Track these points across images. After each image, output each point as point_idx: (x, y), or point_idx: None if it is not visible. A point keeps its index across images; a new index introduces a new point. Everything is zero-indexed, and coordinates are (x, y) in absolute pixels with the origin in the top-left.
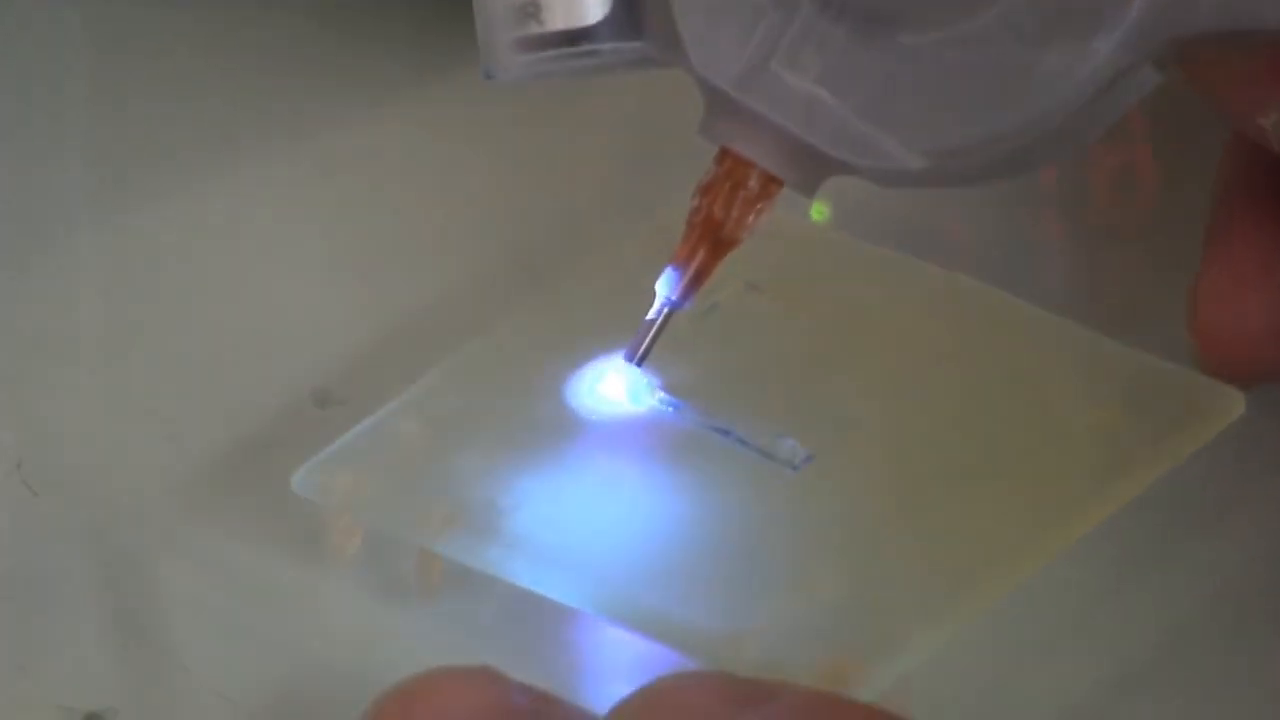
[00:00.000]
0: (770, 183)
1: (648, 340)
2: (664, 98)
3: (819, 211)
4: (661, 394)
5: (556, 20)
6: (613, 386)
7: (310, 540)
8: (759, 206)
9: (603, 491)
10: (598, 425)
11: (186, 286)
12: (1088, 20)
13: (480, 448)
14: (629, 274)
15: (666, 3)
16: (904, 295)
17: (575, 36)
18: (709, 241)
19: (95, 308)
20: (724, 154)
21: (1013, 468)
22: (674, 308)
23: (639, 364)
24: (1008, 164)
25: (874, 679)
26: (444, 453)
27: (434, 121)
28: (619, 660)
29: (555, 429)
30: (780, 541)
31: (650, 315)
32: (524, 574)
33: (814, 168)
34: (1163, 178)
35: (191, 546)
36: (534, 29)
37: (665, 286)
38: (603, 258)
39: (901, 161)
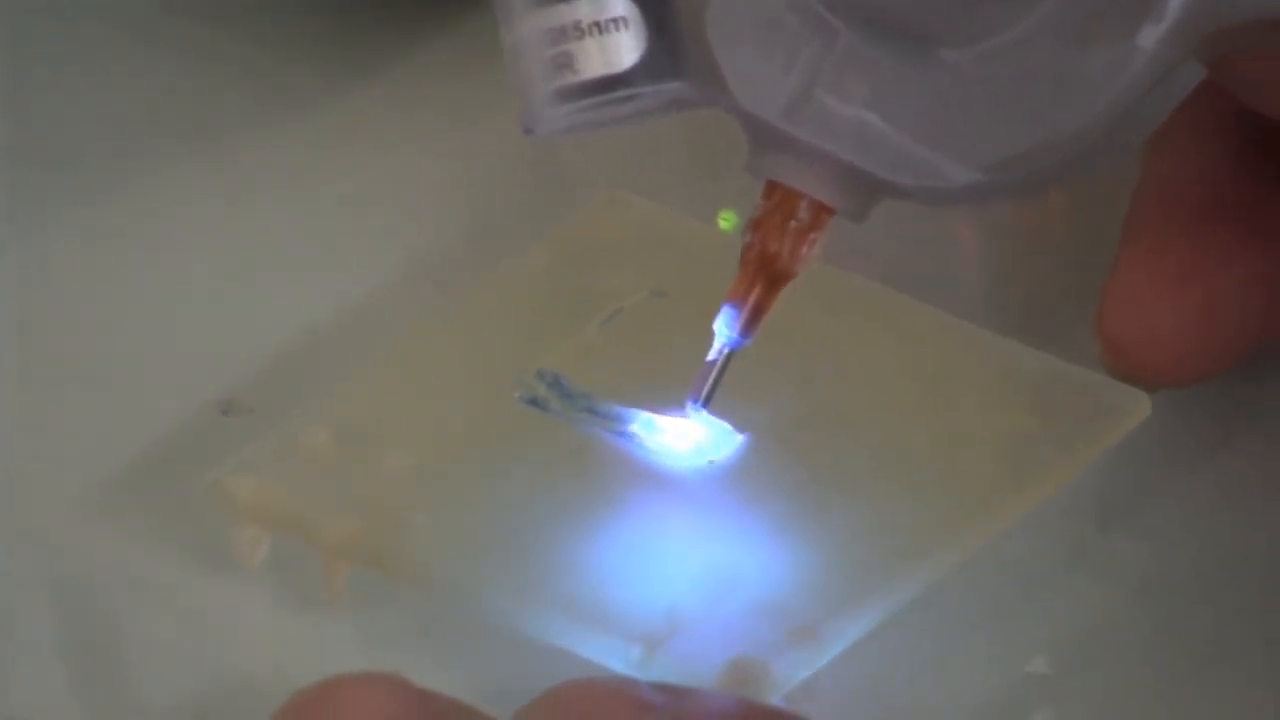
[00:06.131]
0: (821, 212)
1: (710, 381)
2: None
3: (726, 220)
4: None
5: (592, 68)
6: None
7: (217, 549)
8: (811, 237)
9: (512, 499)
10: (506, 433)
11: (90, 294)
12: (1131, 17)
13: (388, 456)
14: (536, 281)
15: (704, 39)
16: (812, 300)
17: (612, 82)
18: (765, 276)
19: None
20: (772, 187)
21: (922, 469)
22: (735, 346)
23: (704, 406)
24: (1060, 170)
25: (780, 680)
26: (351, 461)
27: (341, 130)
28: (527, 666)
29: (464, 437)
30: (685, 545)
31: (711, 356)
32: (431, 582)
33: (864, 193)
34: (1075, 182)
35: (97, 556)
36: (570, 79)
37: (724, 325)
38: (510, 265)
39: (956, 178)
